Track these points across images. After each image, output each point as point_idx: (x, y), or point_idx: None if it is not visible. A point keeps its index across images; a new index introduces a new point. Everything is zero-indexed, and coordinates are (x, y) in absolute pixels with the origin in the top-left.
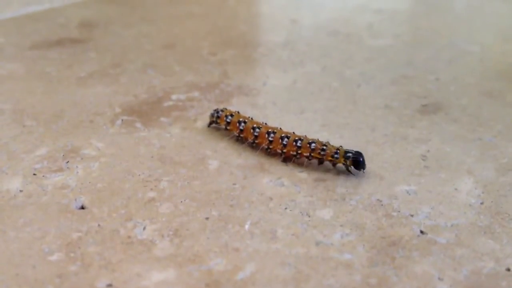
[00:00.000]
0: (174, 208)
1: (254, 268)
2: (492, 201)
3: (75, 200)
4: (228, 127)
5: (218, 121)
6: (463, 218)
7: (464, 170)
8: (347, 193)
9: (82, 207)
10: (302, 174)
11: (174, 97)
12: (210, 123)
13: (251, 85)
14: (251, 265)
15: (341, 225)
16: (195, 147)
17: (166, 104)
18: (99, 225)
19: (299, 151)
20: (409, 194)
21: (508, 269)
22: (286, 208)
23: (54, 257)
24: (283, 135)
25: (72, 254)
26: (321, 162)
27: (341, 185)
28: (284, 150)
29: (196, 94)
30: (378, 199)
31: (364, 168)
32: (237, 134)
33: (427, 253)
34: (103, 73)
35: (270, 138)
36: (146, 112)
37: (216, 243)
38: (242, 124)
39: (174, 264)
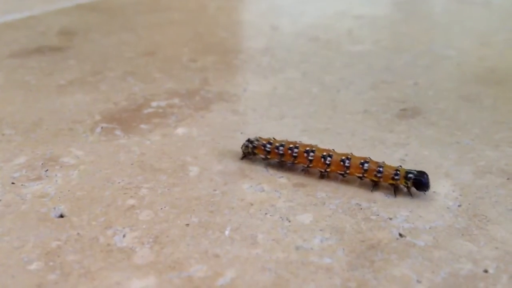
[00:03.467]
0: (154, 215)
1: (234, 274)
2: (469, 204)
3: (54, 208)
4: (268, 156)
5: (256, 151)
6: (441, 220)
7: (442, 173)
8: (327, 198)
9: (61, 216)
10: (282, 180)
11: (154, 104)
12: (245, 156)
13: (231, 91)
14: (232, 271)
15: (321, 230)
16: (175, 153)
17: (146, 111)
18: (78, 233)
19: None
20: (388, 197)
21: (486, 271)
22: (266, 214)
23: (33, 266)
24: (343, 157)
25: (51, 263)
26: (376, 183)
27: (321, 189)
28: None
29: (176, 101)
30: (357, 203)
31: (427, 189)
32: (279, 160)
33: (405, 256)
34: (83, 81)
35: (327, 162)
36: (126, 119)
37: (196, 249)
38: (295, 150)
39: (154, 271)
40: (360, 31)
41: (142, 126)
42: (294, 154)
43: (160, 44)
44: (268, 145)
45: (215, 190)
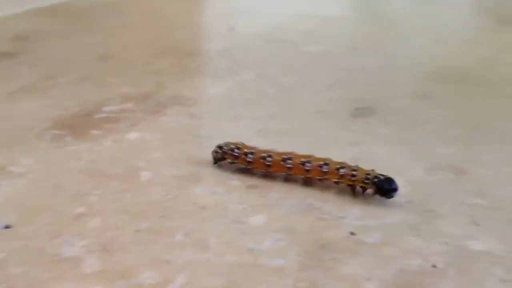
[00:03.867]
0: (103, 223)
1: (185, 280)
2: (420, 200)
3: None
4: (236, 161)
5: (226, 156)
6: (391, 217)
7: (394, 171)
8: (280, 198)
9: (7, 226)
10: (235, 182)
11: (107, 109)
12: (217, 161)
13: (187, 94)
14: (182, 277)
15: (273, 231)
16: (127, 159)
17: (98, 116)
18: (25, 243)
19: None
20: (340, 196)
21: (434, 266)
22: (218, 217)
23: None
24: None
25: None
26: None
27: (275, 190)
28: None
29: (129, 105)
30: (310, 203)
31: (391, 196)
32: (264, 171)
33: (356, 254)
34: (34, 87)
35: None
36: (77, 125)
37: (147, 256)
38: (268, 158)
39: (103, 280)
40: (318, 32)
41: (94, 131)
42: (268, 163)
43: (115, 48)
44: (250, 155)
45: (167, 194)
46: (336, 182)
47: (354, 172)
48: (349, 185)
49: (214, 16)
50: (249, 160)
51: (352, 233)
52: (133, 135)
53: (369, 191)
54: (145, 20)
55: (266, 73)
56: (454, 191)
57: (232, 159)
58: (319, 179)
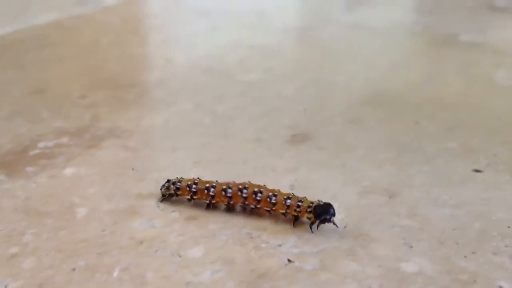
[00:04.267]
0: (38, 262)
1: None
2: (354, 224)
3: None
4: (194, 197)
5: (179, 193)
6: (327, 243)
7: (329, 196)
8: (218, 229)
9: None
10: (174, 214)
11: (41, 144)
12: (165, 197)
13: (123, 126)
14: None
15: (211, 262)
16: (62, 195)
17: (32, 152)
18: None
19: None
20: (278, 224)
21: None
22: (156, 251)
23: None
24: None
25: None
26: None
27: (213, 221)
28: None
29: (64, 140)
30: (248, 232)
31: (327, 221)
32: (208, 201)
33: (293, 281)
34: None
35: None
36: (10, 163)
37: None
38: (212, 189)
39: None
40: (252, 60)
41: (28, 168)
42: (228, 195)
43: (49, 82)
44: (194, 185)
45: (104, 230)
46: (283, 214)
47: (299, 203)
48: (294, 216)
49: (151, 47)
50: (212, 194)
51: (289, 261)
52: (68, 171)
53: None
54: (79, 52)
55: (202, 102)
56: (387, 214)
57: (190, 194)
58: (267, 210)
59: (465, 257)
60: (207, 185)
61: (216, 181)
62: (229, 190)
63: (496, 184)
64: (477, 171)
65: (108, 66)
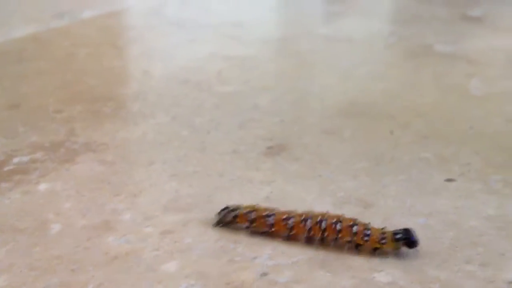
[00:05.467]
0: (11, 280)
1: None
2: None
3: None
4: (253, 225)
5: (237, 220)
6: (302, 254)
7: (304, 207)
8: (193, 243)
9: None
10: (148, 229)
11: (16, 160)
12: (221, 223)
13: (99, 140)
14: None
15: (186, 276)
16: (36, 211)
17: (6, 168)
18: None
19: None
20: (253, 237)
21: None
22: (131, 266)
23: None
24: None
25: None
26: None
27: (188, 235)
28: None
29: (39, 155)
30: (222, 246)
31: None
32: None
33: None
34: None
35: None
36: None
37: None
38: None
39: None
40: (230, 72)
41: (2, 184)
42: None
43: (25, 96)
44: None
45: (77, 246)
46: (348, 242)
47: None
48: (359, 244)
49: (129, 60)
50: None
51: (264, 274)
52: (43, 186)
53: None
54: (56, 65)
55: (179, 115)
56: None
57: (248, 223)
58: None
59: (437, 266)
60: (267, 213)
61: (276, 208)
62: (291, 220)
63: (469, 192)
64: (450, 180)
65: (84, 79)
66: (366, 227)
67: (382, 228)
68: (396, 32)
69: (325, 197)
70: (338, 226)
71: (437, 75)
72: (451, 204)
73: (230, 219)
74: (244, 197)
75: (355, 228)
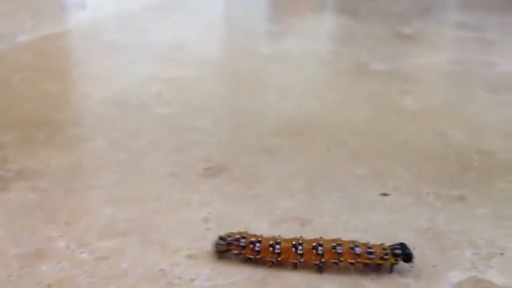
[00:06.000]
0: None
1: None
2: None
3: None
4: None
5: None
6: (240, 274)
7: (242, 228)
8: (130, 267)
9: None
10: (83, 255)
11: None
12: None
13: (33, 167)
14: None
15: None
16: None
17: None
18: None
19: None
20: (191, 258)
21: None
22: None
23: None
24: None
25: None
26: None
27: (125, 260)
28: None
29: None
30: (160, 269)
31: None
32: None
33: None
34: None
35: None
36: None
37: None
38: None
39: None
40: (168, 94)
41: None
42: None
43: None
44: (258, 243)
45: (10, 276)
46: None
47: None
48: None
49: (66, 84)
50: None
51: None
52: None
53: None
54: None
55: (116, 138)
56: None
57: (239, 249)
58: (334, 263)
59: (372, 280)
60: (271, 242)
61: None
62: (300, 247)
63: (402, 206)
64: (384, 195)
65: (18, 105)
66: (367, 245)
67: (382, 244)
68: (334, 51)
69: (262, 216)
70: (339, 249)
71: (372, 93)
72: (385, 218)
73: (224, 249)
74: (182, 219)
75: (357, 250)
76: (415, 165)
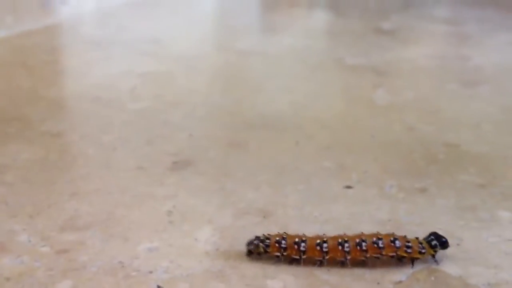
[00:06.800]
0: None
1: None
2: (226, 246)
3: None
4: (285, 253)
5: (269, 250)
6: (198, 266)
7: (205, 220)
8: (89, 260)
9: None
10: (44, 249)
11: None
12: (251, 252)
13: (0, 161)
14: None
15: None
16: None
17: None
18: None
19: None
20: (151, 251)
21: None
22: (23, 287)
23: None
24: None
25: None
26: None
27: (85, 253)
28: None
29: None
30: (120, 261)
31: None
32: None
33: None
34: None
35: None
36: None
37: None
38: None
39: None
40: (142, 89)
41: None
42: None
43: None
44: (283, 241)
45: None
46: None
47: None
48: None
49: (40, 80)
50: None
51: (159, 287)
52: None
53: None
54: None
55: (87, 133)
56: (259, 234)
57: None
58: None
59: (328, 270)
60: (297, 239)
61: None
62: (325, 245)
63: (364, 198)
64: (348, 187)
65: None
66: (406, 239)
67: (417, 238)
68: (310, 46)
69: (226, 209)
70: (381, 244)
71: (345, 87)
72: (346, 210)
73: (261, 250)
74: (145, 213)
75: (397, 243)
76: (381, 159)
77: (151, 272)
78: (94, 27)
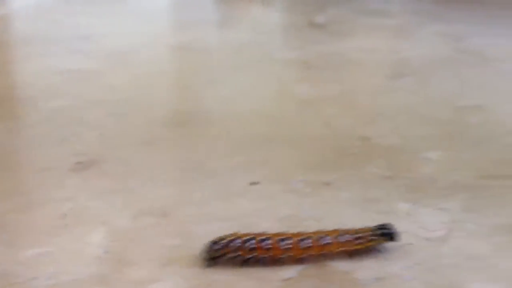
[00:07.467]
0: None
1: None
2: (117, 249)
3: None
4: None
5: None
6: (86, 271)
7: (100, 222)
8: None
9: None
10: None
11: None
12: (213, 259)
13: None
14: None
15: None
16: None
17: None
18: None
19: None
20: (40, 256)
21: None
22: None
23: None
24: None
25: None
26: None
27: None
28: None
29: None
30: (3, 269)
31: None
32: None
33: None
34: None
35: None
36: None
37: None
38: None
39: None
40: (62, 86)
41: None
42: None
43: None
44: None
45: None
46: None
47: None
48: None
49: None
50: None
51: None
52: None
53: None
54: None
55: None
56: (154, 235)
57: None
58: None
59: (219, 269)
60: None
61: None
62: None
63: (269, 194)
64: (254, 183)
65: None
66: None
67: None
68: (252, 40)
69: (125, 210)
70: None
71: (273, 82)
72: (251, 206)
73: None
74: (39, 216)
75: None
76: (293, 153)
77: (35, 278)
78: (30, 23)
